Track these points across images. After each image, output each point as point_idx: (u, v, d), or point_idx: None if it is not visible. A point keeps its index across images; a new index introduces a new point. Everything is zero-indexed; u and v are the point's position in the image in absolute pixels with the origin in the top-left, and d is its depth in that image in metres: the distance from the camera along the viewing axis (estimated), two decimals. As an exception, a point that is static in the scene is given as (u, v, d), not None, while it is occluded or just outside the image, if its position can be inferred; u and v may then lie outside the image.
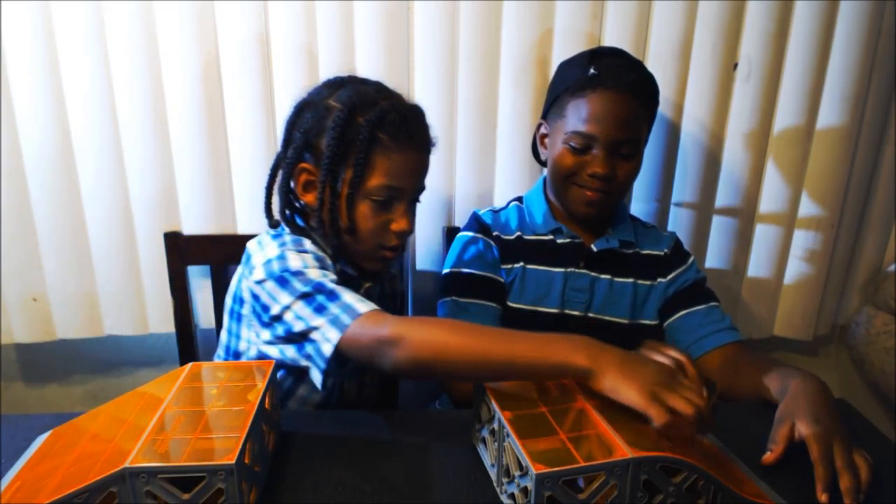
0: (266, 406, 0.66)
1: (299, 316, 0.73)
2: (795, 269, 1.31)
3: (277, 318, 0.75)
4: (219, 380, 0.69)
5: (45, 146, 1.10)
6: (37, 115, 1.08)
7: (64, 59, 1.06)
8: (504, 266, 1.02)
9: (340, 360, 0.72)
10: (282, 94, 1.12)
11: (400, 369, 0.68)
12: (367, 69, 1.11)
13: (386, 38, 1.10)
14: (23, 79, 1.06)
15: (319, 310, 0.72)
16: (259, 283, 0.77)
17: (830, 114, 1.20)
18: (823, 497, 0.63)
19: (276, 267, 0.77)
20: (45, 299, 1.19)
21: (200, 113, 1.11)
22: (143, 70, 1.08)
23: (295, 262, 0.77)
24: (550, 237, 1.03)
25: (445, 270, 1.04)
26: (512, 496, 0.59)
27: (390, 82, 1.14)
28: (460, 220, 1.22)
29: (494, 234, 1.03)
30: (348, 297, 0.73)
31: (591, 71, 0.94)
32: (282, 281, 0.75)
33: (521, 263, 1.02)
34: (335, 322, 0.71)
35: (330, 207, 0.82)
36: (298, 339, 0.74)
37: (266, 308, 0.76)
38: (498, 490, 0.63)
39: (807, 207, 1.27)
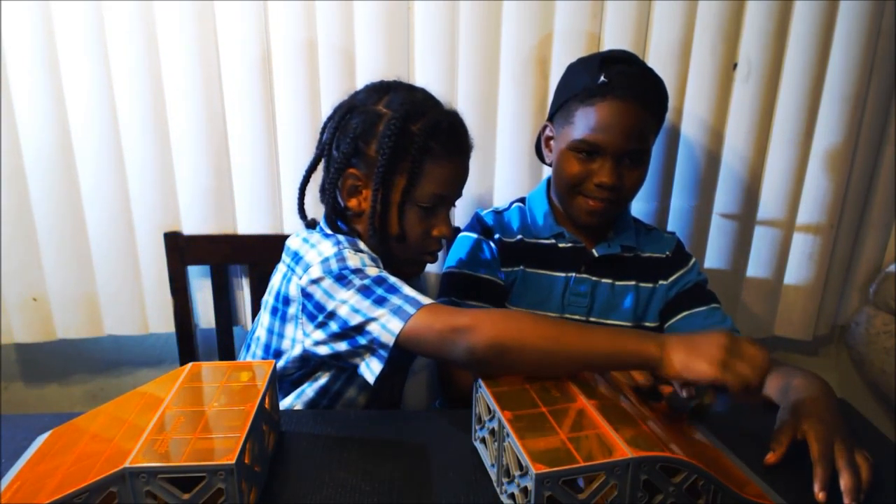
0: (266, 406, 0.66)
1: (356, 309, 0.73)
2: (795, 269, 1.31)
3: (332, 315, 0.75)
4: (219, 380, 0.69)
5: (45, 146, 1.10)
6: (37, 115, 1.08)
7: (64, 59, 1.06)
8: (504, 269, 1.02)
9: (395, 356, 0.72)
10: (282, 94, 1.12)
11: (475, 355, 0.68)
12: (367, 69, 1.11)
13: (386, 38, 1.10)
14: (23, 79, 1.06)
15: (380, 301, 0.73)
16: (315, 281, 0.77)
17: (830, 114, 1.20)
18: (821, 496, 0.63)
19: (334, 265, 0.77)
20: (45, 299, 1.19)
21: (200, 113, 1.11)
22: (143, 70, 1.08)
23: (353, 260, 0.78)
24: (552, 241, 1.03)
25: (445, 269, 1.04)
26: (512, 496, 0.59)
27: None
28: (460, 220, 1.22)
29: (496, 236, 1.03)
30: (409, 290, 0.74)
31: (602, 79, 0.92)
32: (340, 278, 0.76)
33: (521, 267, 1.02)
34: (398, 312, 0.71)
35: (381, 214, 0.83)
36: (353, 333, 0.74)
37: (320, 306, 0.76)
38: (498, 490, 0.63)
39: (807, 208, 1.27)
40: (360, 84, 1.13)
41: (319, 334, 0.77)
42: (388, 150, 0.79)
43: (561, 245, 1.02)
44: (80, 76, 1.07)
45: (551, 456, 0.55)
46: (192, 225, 1.17)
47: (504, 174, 1.20)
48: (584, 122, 0.93)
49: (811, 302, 1.33)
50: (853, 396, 1.15)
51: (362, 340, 0.73)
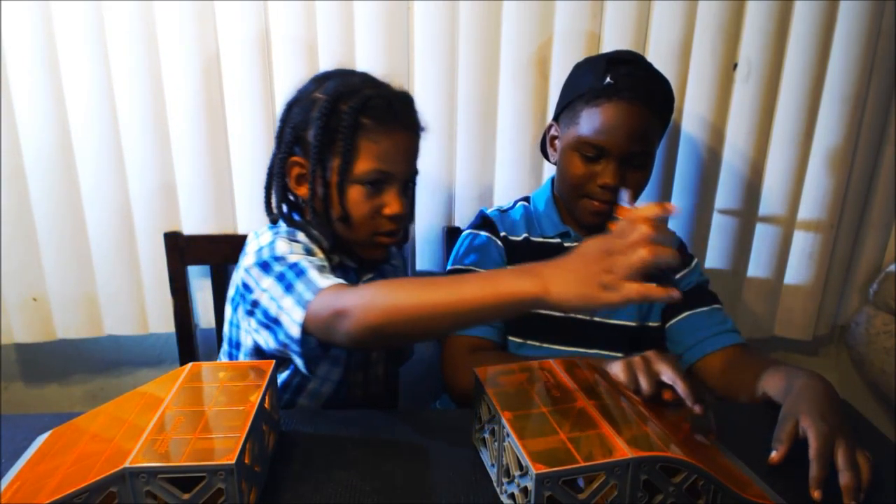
0: (266, 406, 0.66)
1: (272, 297, 0.73)
2: (795, 269, 1.31)
3: (256, 304, 0.76)
4: (219, 380, 0.69)
5: (45, 146, 1.10)
6: (37, 115, 1.08)
7: (64, 59, 1.06)
8: (509, 267, 1.02)
9: (325, 345, 0.71)
10: (282, 94, 1.12)
11: (355, 341, 0.66)
12: (367, 69, 1.10)
13: (386, 38, 1.10)
14: (23, 79, 1.06)
15: (288, 289, 0.72)
16: (247, 269, 0.78)
17: (830, 114, 1.20)
18: (816, 494, 0.63)
19: (265, 253, 0.78)
20: (45, 299, 1.19)
21: (200, 112, 1.11)
22: (143, 70, 1.08)
23: (282, 247, 0.78)
24: (558, 240, 1.02)
25: (449, 266, 1.04)
26: (512, 496, 0.59)
27: (390, 81, 1.14)
28: (460, 219, 1.22)
29: (502, 234, 1.03)
30: (313, 273, 0.73)
31: (608, 80, 0.92)
32: (264, 266, 0.76)
33: None
34: (300, 301, 0.70)
35: (322, 197, 0.82)
36: (273, 324, 0.74)
37: (250, 294, 0.77)
38: (498, 490, 0.63)
39: (807, 207, 1.27)
40: (360, 84, 1.13)
41: (252, 323, 0.78)
42: (320, 131, 0.80)
43: (567, 244, 1.02)
44: (80, 76, 1.07)
45: (551, 456, 0.55)
46: (192, 225, 1.17)
47: (504, 174, 1.20)
48: (588, 124, 0.93)
49: (811, 302, 1.33)
50: (853, 396, 1.15)
51: (280, 334, 0.73)
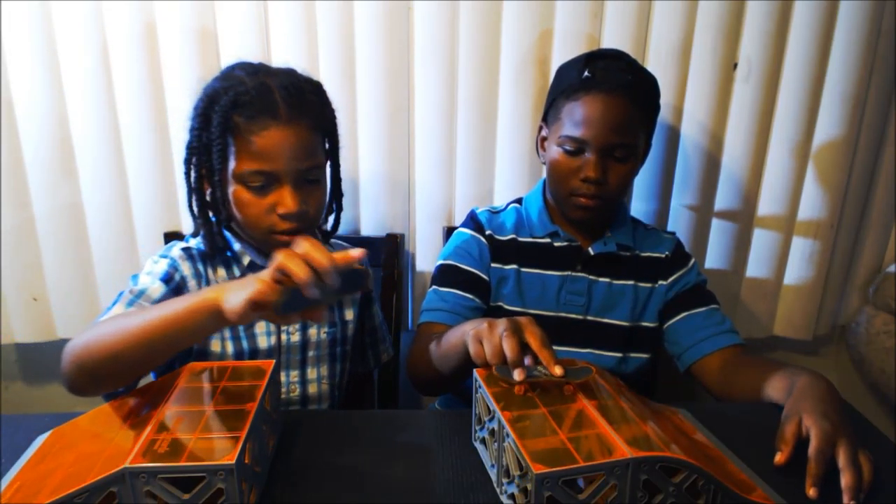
0: (266, 406, 0.66)
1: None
2: (795, 269, 1.31)
3: None
4: (219, 380, 0.69)
5: (45, 146, 1.10)
6: (37, 116, 1.08)
7: (64, 59, 1.06)
8: (495, 265, 1.02)
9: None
10: (282, 94, 1.12)
11: (66, 379, 0.68)
12: (367, 70, 1.11)
13: (386, 38, 1.10)
14: (23, 79, 1.06)
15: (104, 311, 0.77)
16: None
17: (830, 114, 1.20)
18: (811, 492, 0.63)
19: (130, 282, 0.82)
20: (45, 299, 1.19)
21: (200, 113, 1.11)
22: (144, 70, 1.08)
23: (146, 266, 0.84)
24: (547, 240, 1.03)
25: (437, 262, 1.05)
26: (512, 496, 0.59)
27: (390, 82, 1.14)
28: (460, 220, 1.21)
29: (487, 232, 1.03)
30: (117, 307, 0.76)
31: (585, 74, 0.93)
32: (120, 295, 0.80)
33: (515, 266, 1.02)
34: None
35: (211, 198, 0.81)
36: None
37: None
38: (498, 490, 0.63)
39: (807, 208, 1.27)
40: (361, 84, 1.13)
41: None
42: (195, 133, 0.78)
43: (556, 244, 1.02)
44: (80, 76, 1.07)
45: (551, 456, 0.55)
46: (192, 225, 1.17)
47: (504, 174, 1.20)
48: (569, 118, 0.94)
49: (811, 302, 1.33)
50: (853, 396, 1.15)
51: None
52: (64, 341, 1.19)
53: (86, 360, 0.66)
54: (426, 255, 1.25)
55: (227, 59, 1.08)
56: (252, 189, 0.79)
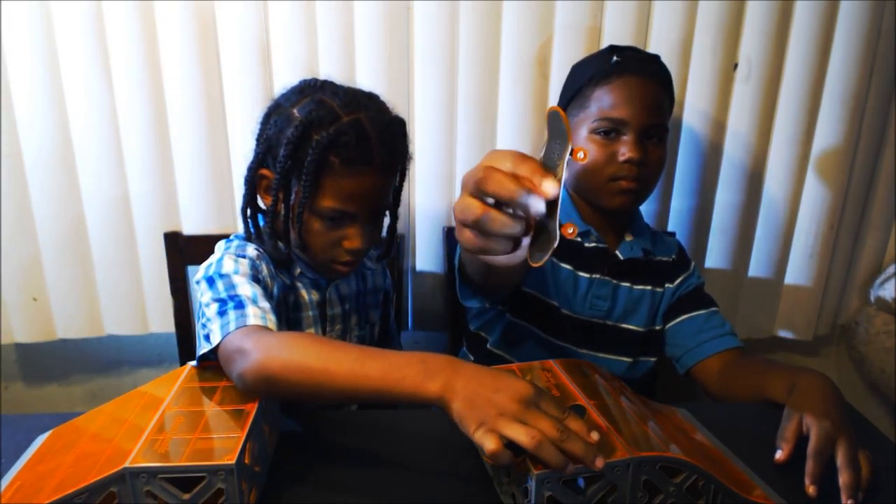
0: (266, 406, 0.66)
1: (208, 316, 0.74)
2: (796, 269, 1.31)
3: (203, 316, 0.76)
4: (219, 380, 0.69)
5: (45, 146, 1.10)
6: (37, 115, 1.08)
7: (64, 59, 1.06)
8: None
9: None
10: (282, 94, 1.12)
11: (244, 381, 0.65)
12: (367, 69, 1.11)
13: (386, 38, 1.10)
14: (23, 79, 1.06)
15: (222, 314, 0.72)
16: (197, 281, 0.80)
17: (830, 114, 1.20)
18: (810, 489, 0.63)
19: (211, 269, 0.79)
20: (45, 299, 1.19)
21: (200, 112, 1.11)
22: (143, 70, 1.08)
23: (227, 265, 0.78)
24: (579, 239, 1.00)
25: (457, 262, 1.03)
26: (512, 496, 0.59)
27: (390, 83, 1.14)
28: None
29: None
30: (250, 308, 0.72)
31: (615, 59, 0.93)
32: (210, 281, 0.77)
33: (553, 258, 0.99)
34: (224, 328, 0.70)
35: (283, 219, 0.82)
36: (204, 337, 0.74)
37: (199, 305, 0.78)
38: (498, 490, 0.63)
39: (807, 208, 1.27)
40: (361, 84, 1.13)
41: (202, 330, 0.77)
42: (286, 159, 0.77)
43: (587, 245, 1.00)
44: (80, 76, 1.07)
45: (551, 456, 0.54)
46: (192, 225, 1.17)
47: (504, 174, 1.20)
48: (602, 103, 0.92)
49: (812, 302, 1.33)
50: (853, 396, 1.15)
51: (206, 348, 0.72)
52: (64, 341, 1.21)
53: (281, 382, 0.64)
54: (426, 256, 1.25)
55: (228, 59, 1.09)
56: (325, 221, 0.80)
